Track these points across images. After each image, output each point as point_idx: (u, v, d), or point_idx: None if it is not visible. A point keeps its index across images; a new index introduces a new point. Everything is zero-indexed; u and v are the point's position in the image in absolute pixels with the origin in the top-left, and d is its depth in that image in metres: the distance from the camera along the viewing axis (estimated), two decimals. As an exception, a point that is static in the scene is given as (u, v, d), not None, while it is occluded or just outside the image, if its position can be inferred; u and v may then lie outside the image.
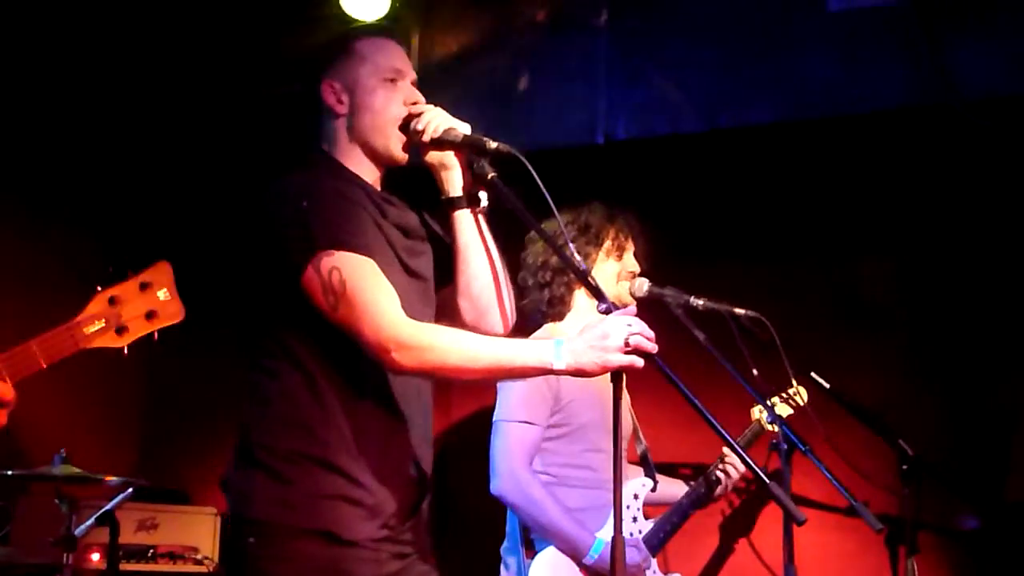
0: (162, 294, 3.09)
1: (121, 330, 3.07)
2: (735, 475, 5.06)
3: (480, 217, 3.57)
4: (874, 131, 5.69)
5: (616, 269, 5.05)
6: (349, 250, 3.23)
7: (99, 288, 3.06)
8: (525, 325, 4.85)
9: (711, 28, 5.84)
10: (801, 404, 5.10)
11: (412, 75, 3.61)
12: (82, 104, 6.49)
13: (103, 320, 3.04)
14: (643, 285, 4.95)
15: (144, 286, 3.11)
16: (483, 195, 3.55)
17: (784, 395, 5.08)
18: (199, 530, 6.03)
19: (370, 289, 3.21)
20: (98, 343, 3.06)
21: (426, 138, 3.46)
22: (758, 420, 5.03)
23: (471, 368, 3.18)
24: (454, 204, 3.55)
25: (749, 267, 5.89)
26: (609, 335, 3.07)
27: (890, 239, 5.79)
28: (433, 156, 3.51)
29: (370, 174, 3.54)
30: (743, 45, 5.77)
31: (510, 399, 4.85)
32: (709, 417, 3.17)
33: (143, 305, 3.10)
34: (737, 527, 5.86)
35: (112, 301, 3.06)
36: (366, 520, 3.28)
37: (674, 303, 4.88)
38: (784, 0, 5.71)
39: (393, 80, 3.54)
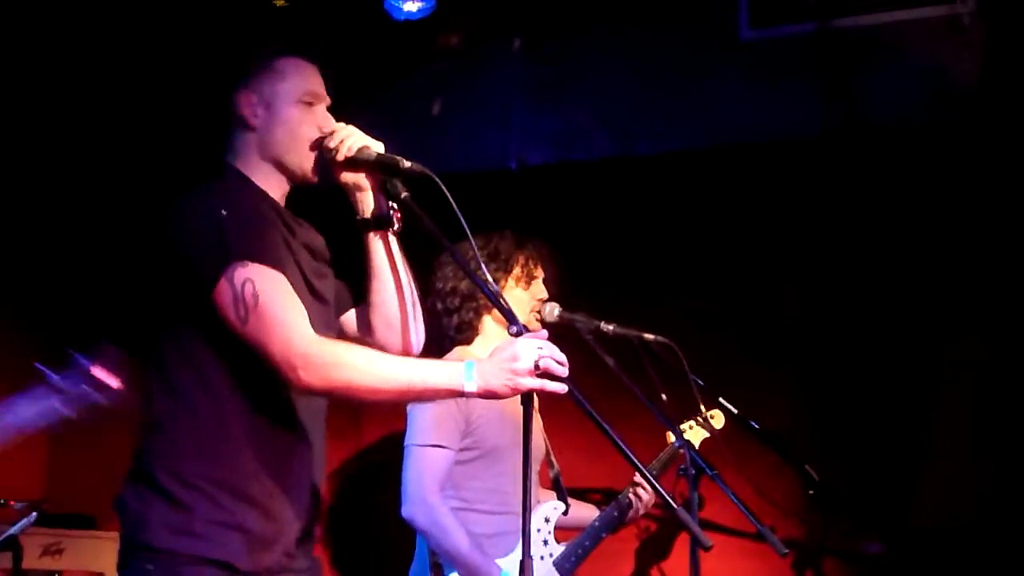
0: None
1: None
2: (647, 499, 5.07)
3: (392, 239, 3.56)
4: (785, 159, 5.74)
5: (525, 295, 5.04)
6: (264, 264, 3.19)
7: None
8: (433, 350, 4.84)
9: (625, 55, 5.88)
10: (717, 428, 5.14)
11: (328, 101, 3.58)
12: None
13: None
14: (554, 310, 4.97)
15: None
16: (396, 217, 3.54)
17: (699, 419, 5.11)
18: (105, 555, 5.92)
19: (282, 305, 3.17)
20: None
21: (340, 157, 3.43)
22: (671, 445, 5.04)
23: (380, 388, 3.16)
24: (368, 225, 3.54)
25: (659, 293, 5.92)
26: (519, 357, 3.07)
27: (798, 266, 5.84)
28: (347, 176, 3.48)
29: (277, 190, 3.49)
30: (657, 73, 5.82)
31: (420, 423, 4.83)
32: (618, 442, 3.18)
33: None
34: (648, 552, 5.87)
35: None
36: (265, 549, 3.25)
37: (584, 328, 4.90)
38: (697, 28, 5.77)
39: (310, 104, 3.51)
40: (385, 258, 3.56)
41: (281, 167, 3.49)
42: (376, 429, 6.17)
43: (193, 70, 5.92)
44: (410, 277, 3.62)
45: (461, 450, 4.83)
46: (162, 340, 3.34)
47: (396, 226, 3.54)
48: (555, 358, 3.09)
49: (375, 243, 3.55)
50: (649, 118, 5.86)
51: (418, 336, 3.66)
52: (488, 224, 4.99)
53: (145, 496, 3.24)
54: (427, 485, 4.74)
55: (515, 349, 3.09)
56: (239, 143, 3.50)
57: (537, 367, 3.06)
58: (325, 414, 3.50)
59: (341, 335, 3.57)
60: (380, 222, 3.53)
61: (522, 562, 3.04)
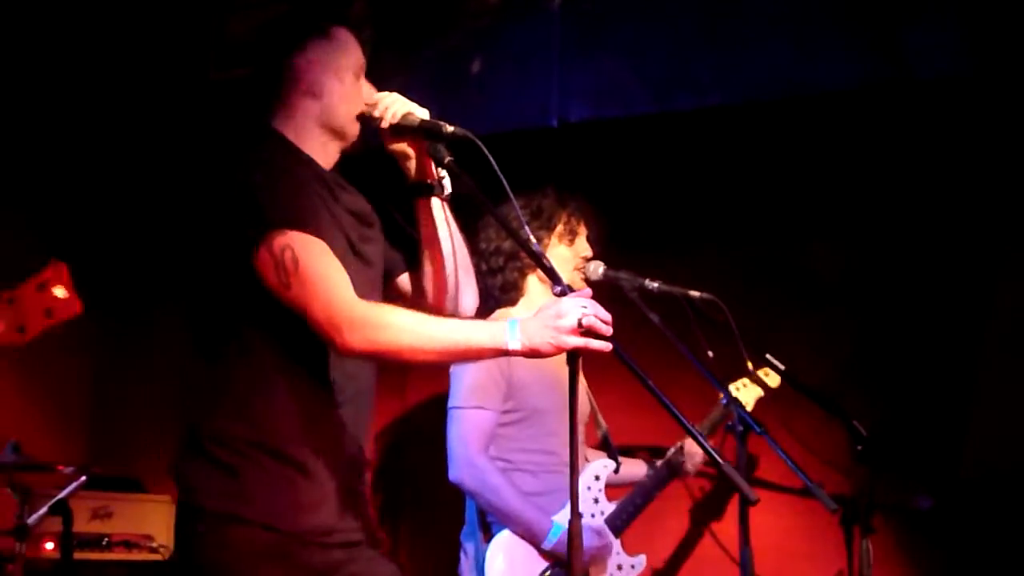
0: (59, 291, 3.18)
1: (22, 329, 3.15)
2: (698, 459, 5.06)
3: (442, 204, 3.59)
4: (826, 113, 5.69)
5: (568, 253, 5.03)
6: (302, 230, 3.20)
7: None
8: (478, 312, 4.85)
9: (663, 11, 5.83)
10: (772, 387, 5.12)
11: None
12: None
13: (2, 320, 3.14)
14: (598, 268, 4.96)
15: (41, 286, 3.20)
16: (446, 181, 3.56)
17: (753, 377, 5.09)
18: (154, 518, 5.98)
19: (323, 268, 3.19)
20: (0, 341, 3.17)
21: (384, 124, 3.47)
22: (721, 403, 5.03)
23: (424, 349, 3.17)
24: (417, 191, 3.57)
25: (702, 249, 5.91)
26: (563, 316, 3.07)
27: (842, 220, 5.81)
28: (394, 144, 3.52)
29: (323, 157, 3.51)
30: (695, 28, 5.77)
31: (463, 385, 4.84)
32: (664, 400, 3.18)
33: (41, 303, 3.19)
34: (697, 509, 5.87)
35: (11, 301, 3.15)
36: (311, 511, 3.28)
37: (629, 286, 4.89)
38: (737, -19, 5.73)
39: (360, 77, 3.55)
40: (435, 223, 3.60)
41: (336, 135, 3.52)
42: (421, 392, 6.19)
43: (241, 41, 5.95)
44: (461, 240, 3.66)
45: (505, 412, 4.84)
46: (203, 307, 3.38)
47: (444, 191, 3.56)
48: (600, 316, 3.08)
49: (425, 208, 3.59)
50: (688, 73, 5.81)
51: (471, 298, 3.70)
52: (530, 181, 4.97)
53: (195, 462, 3.29)
54: (472, 447, 4.75)
55: (559, 307, 3.10)
56: (286, 109, 3.51)
57: (581, 325, 3.06)
58: (374, 378, 3.52)
59: (389, 299, 3.58)
60: (428, 187, 3.57)
61: (571, 522, 3.04)
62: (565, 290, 3.17)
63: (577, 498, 3.07)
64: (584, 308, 3.08)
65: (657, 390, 3.16)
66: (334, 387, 3.36)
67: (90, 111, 6.66)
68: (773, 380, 5.16)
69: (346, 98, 3.50)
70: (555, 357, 3.15)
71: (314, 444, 3.30)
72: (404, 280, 3.71)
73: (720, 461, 3.26)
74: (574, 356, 3.11)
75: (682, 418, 3.25)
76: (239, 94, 3.79)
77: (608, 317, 3.11)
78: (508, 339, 3.11)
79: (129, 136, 6.71)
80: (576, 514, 3.05)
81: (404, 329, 3.16)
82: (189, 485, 3.29)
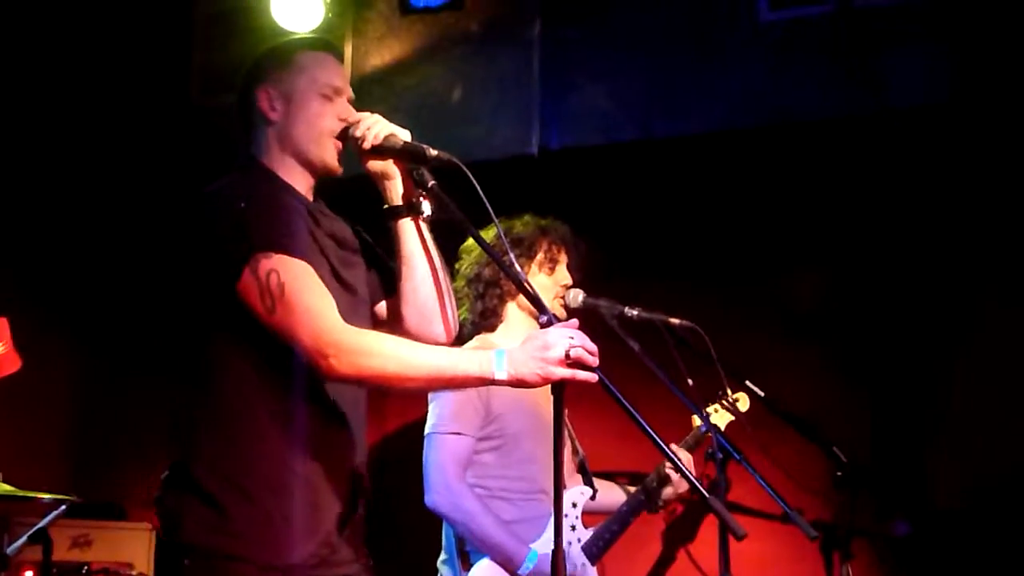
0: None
1: None
2: (681, 488, 5.05)
3: (423, 226, 3.57)
4: (805, 141, 5.73)
5: (548, 282, 5.02)
6: (287, 254, 3.19)
7: None
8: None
9: (644, 38, 5.87)
10: (743, 411, 5.12)
11: (349, 93, 3.57)
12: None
13: None
14: (578, 296, 4.95)
15: None
16: (425, 204, 3.54)
17: (725, 402, 5.10)
18: (134, 546, 5.95)
19: (308, 293, 3.17)
20: None
21: (366, 145, 3.44)
22: (698, 428, 5.03)
23: (410, 376, 3.16)
24: (396, 213, 3.55)
25: (683, 277, 5.91)
26: (551, 347, 3.06)
27: (821, 248, 5.83)
28: (374, 165, 3.49)
29: (302, 184, 3.49)
30: (676, 55, 5.81)
31: (441, 411, 4.83)
32: (649, 430, 3.17)
33: None
34: (676, 535, 5.87)
35: None
36: (302, 543, 3.24)
37: (608, 313, 4.88)
38: (716, 10, 5.76)
39: (329, 97, 3.51)
40: (414, 245, 3.57)
41: (303, 160, 3.49)
42: (400, 415, 6.18)
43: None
44: (441, 263, 3.63)
45: (484, 438, 4.83)
46: (190, 338, 3.34)
47: (426, 213, 3.54)
48: (586, 348, 3.08)
49: (404, 230, 3.56)
50: (669, 100, 5.84)
51: (452, 324, 3.67)
52: (510, 210, 4.98)
53: (181, 496, 3.25)
54: (449, 472, 4.74)
55: (546, 338, 3.09)
56: (261, 139, 3.51)
57: (568, 356, 3.06)
58: (364, 401, 3.50)
59: (373, 325, 3.57)
60: (409, 209, 3.54)
61: (554, 552, 3.04)
62: (551, 320, 3.16)
63: (561, 528, 3.07)
64: (571, 339, 3.07)
65: (642, 420, 3.15)
66: (331, 413, 3.34)
67: (66, 138, 6.65)
68: (744, 405, 5.17)
69: (303, 121, 3.48)
70: (542, 387, 3.14)
71: (309, 472, 3.26)
72: (381, 306, 3.69)
73: (707, 495, 3.24)
74: (560, 387, 3.10)
75: (666, 449, 3.24)
76: (224, 125, 3.78)
77: (594, 348, 3.10)
78: (495, 369, 3.10)
79: (109, 163, 6.70)
80: (560, 545, 3.05)
81: (391, 356, 3.15)
82: (174, 520, 3.25)
